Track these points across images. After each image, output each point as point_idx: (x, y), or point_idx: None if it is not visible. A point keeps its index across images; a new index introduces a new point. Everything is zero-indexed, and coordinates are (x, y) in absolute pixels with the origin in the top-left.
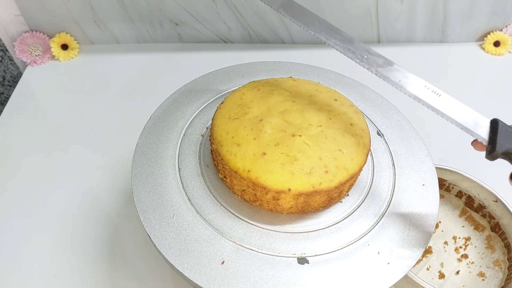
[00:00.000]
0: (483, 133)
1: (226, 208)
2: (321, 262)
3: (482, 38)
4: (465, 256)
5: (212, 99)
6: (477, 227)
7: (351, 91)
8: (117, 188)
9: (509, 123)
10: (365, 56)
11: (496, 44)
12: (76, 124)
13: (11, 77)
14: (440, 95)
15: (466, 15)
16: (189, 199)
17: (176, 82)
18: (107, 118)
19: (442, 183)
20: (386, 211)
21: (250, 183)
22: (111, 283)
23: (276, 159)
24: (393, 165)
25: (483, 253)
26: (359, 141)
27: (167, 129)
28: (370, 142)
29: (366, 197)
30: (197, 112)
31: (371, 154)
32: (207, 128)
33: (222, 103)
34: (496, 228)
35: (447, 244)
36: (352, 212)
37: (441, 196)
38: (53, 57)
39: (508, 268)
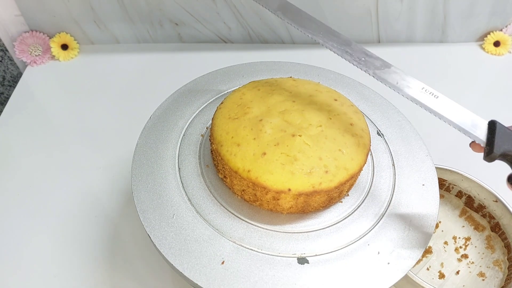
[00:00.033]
0: (481, 134)
1: (226, 208)
2: (321, 262)
3: (482, 38)
4: (465, 256)
5: (212, 99)
6: (477, 227)
7: (351, 91)
8: (117, 188)
9: (509, 124)
10: (363, 58)
11: (496, 44)
12: (76, 124)
13: (11, 77)
14: (437, 97)
15: (466, 15)
16: (189, 199)
17: (176, 82)
18: (107, 118)
19: (442, 183)
20: (386, 211)
21: (250, 183)
22: (111, 283)
23: (276, 159)
24: (393, 165)
25: (483, 253)
26: (359, 141)
27: (167, 129)
28: (370, 142)
29: (366, 197)
30: (197, 112)
31: (371, 154)
32: (207, 128)
33: (222, 103)
34: (496, 228)
35: (447, 244)
36: (352, 212)
37: (441, 196)
38: (53, 57)
39: (508, 268)
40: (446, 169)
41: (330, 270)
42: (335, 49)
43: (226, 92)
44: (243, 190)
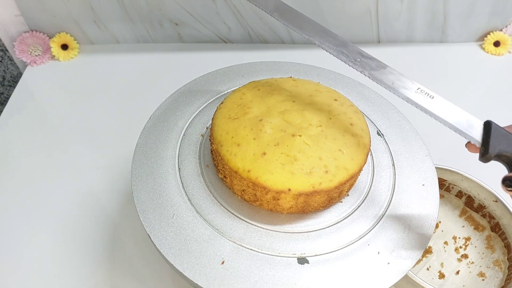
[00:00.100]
0: (476, 135)
1: (226, 208)
2: (321, 262)
3: (482, 38)
4: (465, 256)
5: (212, 99)
6: (477, 227)
7: (351, 91)
8: (117, 188)
9: (509, 123)
10: (358, 59)
11: (496, 44)
12: (76, 124)
13: (11, 77)
14: (433, 97)
15: (466, 15)
16: (189, 199)
17: (176, 82)
18: (107, 118)
19: (442, 183)
20: (386, 211)
21: (250, 183)
22: (111, 283)
23: (276, 159)
24: (393, 165)
25: (483, 253)
26: (359, 141)
27: (167, 129)
28: (370, 142)
29: (366, 197)
30: (197, 112)
31: (371, 154)
32: (207, 128)
33: (222, 103)
34: (496, 228)
35: (447, 244)
36: (352, 212)
37: (441, 196)
38: (53, 57)
39: (508, 268)
40: (446, 169)
41: (330, 270)
42: (330, 50)
43: (226, 92)
44: (243, 190)
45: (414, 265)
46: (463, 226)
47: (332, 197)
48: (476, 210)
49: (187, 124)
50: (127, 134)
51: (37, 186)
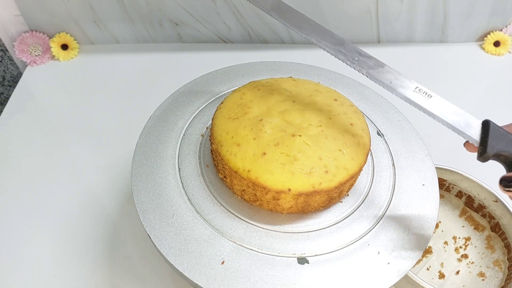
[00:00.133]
0: (475, 134)
1: (226, 208)
2: (321, 262)
3: (482, 38)
4: (465, 256)
5: (212, 99)
6: (477, 227)
7: (351, 91)
8: (117, 188)
9: (509, 123)
10: (356, 58)
11: (496, 44)
12: (76, 124)
13: (11, 77)
14: (431, 96)
15: (466, 15)
16: (189, 199)
17: (176, 82)
18: (107, 118)
19: (442, 183)
20: (386, 211)
21: (250, 183)
22: (111, 283)
23: (276, 159)
24: (393, 165)
25: (483, 253)
26: (359, 141)
27: (167, 129)
28: (370, 142)
29: (366, 197)
30: (197, 112)
31: (371, 154)
32: (207, 128)
33: (222, 103)
34: (496, 228)
35: (447, 244)
36: (352, 212)
37: (441, 196)
38: (53, 57)
39: (508, 268)
40: (446, 169)
41: (330, 270)
42: (328, 48)
43: (226, 92)
44: (243, 190)
45: (414, 265)
46: (463, 226)
47: (332, 197)
48: (476, 210)
49: (187, 124)
50: (127, 134)
51: (37, 186)
